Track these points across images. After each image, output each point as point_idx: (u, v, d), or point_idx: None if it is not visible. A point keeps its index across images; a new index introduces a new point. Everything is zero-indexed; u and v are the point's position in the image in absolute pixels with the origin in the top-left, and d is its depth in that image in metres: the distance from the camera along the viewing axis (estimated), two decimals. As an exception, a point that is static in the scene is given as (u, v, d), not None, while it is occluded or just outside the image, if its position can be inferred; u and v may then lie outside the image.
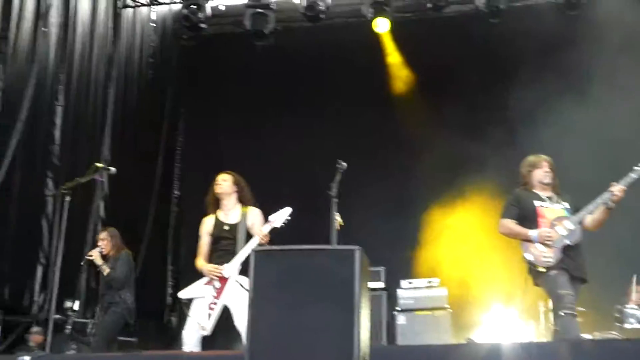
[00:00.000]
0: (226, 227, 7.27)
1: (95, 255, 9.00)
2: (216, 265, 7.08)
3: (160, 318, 13.99)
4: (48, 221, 11.80)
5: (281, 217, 7.13)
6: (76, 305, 9.84)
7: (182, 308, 12.87)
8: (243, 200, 7.48)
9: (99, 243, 9.28)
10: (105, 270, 8.90)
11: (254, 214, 7.40)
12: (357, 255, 4.41)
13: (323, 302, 4.28)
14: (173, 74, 15.19)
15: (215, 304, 7.01)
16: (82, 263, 10.40)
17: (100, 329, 8.70)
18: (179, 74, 15.31)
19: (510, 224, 7.22)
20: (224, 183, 7.49)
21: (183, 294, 7.24)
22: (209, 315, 6.95)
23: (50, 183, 11.99)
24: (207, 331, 6.94)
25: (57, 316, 8.50)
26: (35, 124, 11.80)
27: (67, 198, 7.27)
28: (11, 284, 11.01)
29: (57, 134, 12.32)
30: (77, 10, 13.00)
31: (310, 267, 4.45)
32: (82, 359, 5.91)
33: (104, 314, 8.78)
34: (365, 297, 4.41)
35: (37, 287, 11.48)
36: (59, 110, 12.44)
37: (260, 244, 6.97)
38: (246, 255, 6.92)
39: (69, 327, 9.60)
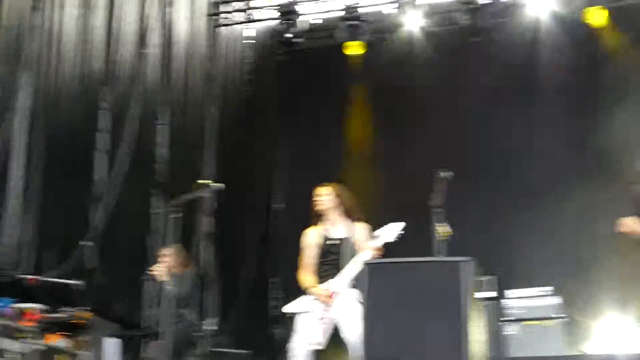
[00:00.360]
0: (331, 242, 7.18)
1: (160, 271, 8.81)
2: (324, 289, 6.98)
3: (265, 331, 14.14)
4: (154, 242, 12.10)
5: (392, 231, 6.92)
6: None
7: (287, 321, 13.00)
8: (348, 214, 7.36)
9: (163, 259, 9.04)
10: (168, 287, 8.78)
11: (361, 229, 7.27)
12: (463, 266, 4.39)
13: (433, 315, 4.28)
14: (270, 90, 15.38)
15: (325, 318, 6.92)
16: (142, 277, 10.54)
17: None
18: (275, 89, 15.50)
19: None
20: (324, 198, 7.40)
21: (289, 309, 7.21)
22: (322, 330, 6.87)
23: (155, 201, 12.29)
24: (322, 346, 6.89)
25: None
26: (139, 143, 12.15)
27: (173, 215, 7.43)
28: (125, 300, 11.34)
29: (160, 152, 12.64)
30: (175, 31, 13.36)
31: (420, 279, 4.46)
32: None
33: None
34: (475, 308, 4.37)
35: (149, 302, 11.76)
36: (161, 129, 12.75)
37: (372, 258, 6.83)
38: (354, 270, 6.78)
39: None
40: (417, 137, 13.85)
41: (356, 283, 6.71)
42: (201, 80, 13.94)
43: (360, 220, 7.36)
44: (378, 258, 6.80)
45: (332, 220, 7.33)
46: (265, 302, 14.61)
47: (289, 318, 7.25)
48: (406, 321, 4.27)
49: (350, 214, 7.39)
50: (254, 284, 13.97)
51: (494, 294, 10.62)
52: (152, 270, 8.88)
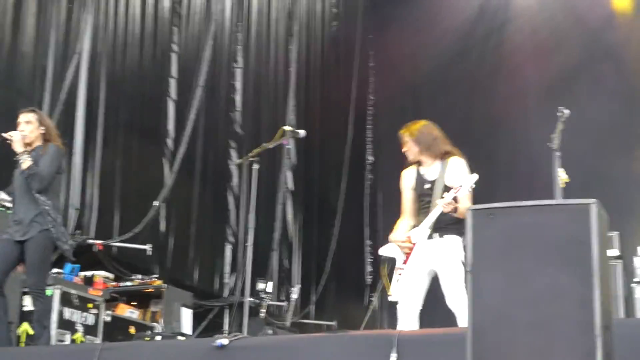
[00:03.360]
0: (427, 185, 6.93)
1: (14, 138, 6.47)
2: (404, 239, 6.75)
3: (360, 299, 13.95)
4: (234, 195, 11.99)
5: (467, 183, 6.68)
6: (269, 287, 9.88)
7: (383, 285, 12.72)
8: (439, 153, 7.05)
9: (21, 127, 6.64)
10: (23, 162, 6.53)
11: (454, 166, 6.96)
12: (594, 210, 4.02)
13: (555, 266, 3.96)
14: (359, 25, 14.99)
15: (402, 269, 6.74)
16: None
17: None
18: (366, 24, 15.08)
19: None
20: (406, 147, 7.08)
21: (383, 251, 7.01)
22: (406, 283, 6.69)
23: (233, 153, 12.16)
24: (413, 303, 6.69)
25: (250, 299, 8.52)
26: (214, 89, 11.99)
27: (255, 166, 7.20)
28: (200, 266, 11.30)
29: (238, 99, 12.47)
30: (252, -38, 13.09)
31: (537, 226, 4.12)
32: (281, 340, 5.87)
33: None
34: (605, 259, 4.06)
35: (227, 268, 11.73)
36: (239, 73, 12.56)
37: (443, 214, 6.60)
38: (434, 217, 6.59)
39: (263, 310, 9.67)
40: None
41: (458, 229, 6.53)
42: (281, 17, 13.62)
43: (451, 154, 7.02)
44: (452, 212, 6.60)
45: (426, 162, 7.03)
46: (361, 267, 14.39)
47: (383, 263, 6.97)
48: (522, 273, 3.98)
49: (443, 153, 7.05)
50: (345, 247, 13.74)
51: (616, 252, 10.20)
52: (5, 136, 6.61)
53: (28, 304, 7.21)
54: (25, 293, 7.20)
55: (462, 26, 14.07)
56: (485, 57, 13.84)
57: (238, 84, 12.55)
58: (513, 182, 12.35)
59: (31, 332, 7.06)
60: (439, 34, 14.15)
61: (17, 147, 6.25)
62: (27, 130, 6.35)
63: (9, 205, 7.09)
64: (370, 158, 15.06)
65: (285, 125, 10.01)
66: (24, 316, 7.17)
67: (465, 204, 6.43)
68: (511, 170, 12.70)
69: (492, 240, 4.11)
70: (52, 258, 6.30)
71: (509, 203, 4.20)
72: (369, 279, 14.31)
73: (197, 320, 10.04)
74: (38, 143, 6.39)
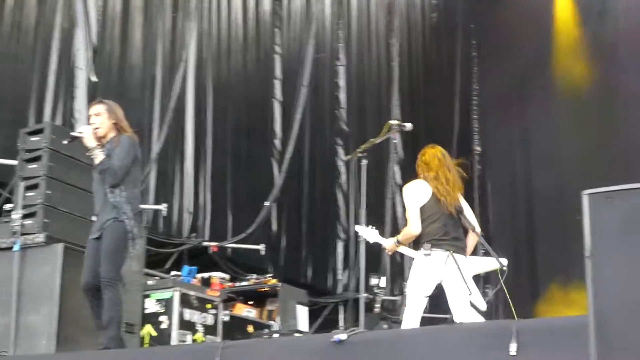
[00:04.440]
0: None
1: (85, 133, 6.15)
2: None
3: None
4: (342, 192, 12.05)
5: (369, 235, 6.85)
6: (382, 282, 9.87)
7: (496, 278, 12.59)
8: None
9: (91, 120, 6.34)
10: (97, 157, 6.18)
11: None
12: None
13: None
14: (460, 14, 14.82)
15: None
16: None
17: None
18: (467, 13, 14.91)
19: None
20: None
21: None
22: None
23: (340, 150, 12.21)
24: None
25: (364, 295, 8.53)
26: (318, 88, 12.07)
27: (364, 162, 7.22)
28: (313, 264, 11.39)
29: (342, 96, 12.51)
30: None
31: None
32: (400, 334, 5.85)
33: None
34: None
35: (339, 264, 11.78)
36: (342, 70, 12.60)
37: None
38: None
39: (378, 305, 9.67)
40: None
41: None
42: (381, 12, 13.59)
43: None
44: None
45: None
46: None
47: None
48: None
49: None
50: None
51: None
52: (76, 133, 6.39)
53: (149, 306, 7.42)
54: (146, 296, 7.40)
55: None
56: (597, 41, 13.49)
57: (341, 82, 12.60)
58: (632, 163, 12.00)
59: (154, 333, 7.25)
60: (543, 19, 13.87)
61: (89, 142, 5.93)
62: (97, 122, 6.01)
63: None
64: (477, 148, 14.87)
65: (390, 120, 10.00)
66: (146, 318, 7.36)
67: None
68: (630, 150, 12.35)
69: (611, 225, 4.00)
70: (130, 250, 6.02)
71: (627, 185, 4.09)
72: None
73: (312, 317, 10.12)
74: (111, 134, 6.02)
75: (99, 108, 6.09)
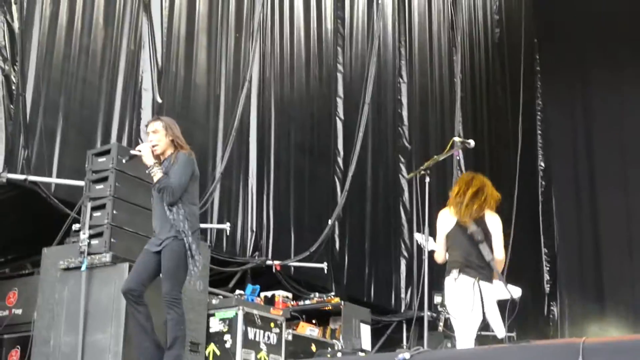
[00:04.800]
0: None
1: (144, 151, 6.16)
2: None
3: (539, 308, 13.62)
4: (405, 209, 12.01)
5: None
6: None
7: (562, 296, 12.40)
8: None
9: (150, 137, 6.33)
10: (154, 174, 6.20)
11: None
12: None
13: None
14: (523, 29, 14.70)
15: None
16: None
17: None
18: (529, 28, 14.79)
19: None
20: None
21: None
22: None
23: (402, 167, 12.18)
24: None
25: (428, 313, 8.48)
26: (380, 105, 12.07)
27: (427, 179, 7.19)
28: (376, 282, 11.35)
29: (405, 113, 12.49)
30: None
31: None
32: (465, 353, 5.79)
33: None
34: None
35: (402, 282, 11.72)
36: (404, 87, 12.59)
37: None
38: None
39: (441, 324, 9.59)
40: None
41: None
42: (443, 28, 13.55)
43: None
44: None
45: None
46: (539, 276, 14.05)
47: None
48: None
49: None
50: (521, 257, 13.47)
51: None
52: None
53: (214, 325, 7.47)
54: (210, 315, 7.45)
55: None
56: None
57: (404, 99, 12.58)
58: None
59: (218, 352, 7.30)
60: (607, 32, 13.71)
61: (147, 160, 5.94)
62: (155, 139, 6.01)
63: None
64: (542, 164, 14.71)
65: (453, 136, 9.97)
66: (210, 337, 7.41)
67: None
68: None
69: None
70: (191, 268, 5.98)
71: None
72: (547, 287, 13.95)
73: (375, 336, 10.08)
74: (169, 151, 6.03)
75: (156, 125, 6.11)
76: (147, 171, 6.05)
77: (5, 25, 7.58)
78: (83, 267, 6.46)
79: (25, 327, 7.12)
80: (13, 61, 7.61)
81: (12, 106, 7.56)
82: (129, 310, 5.87)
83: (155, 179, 5.94)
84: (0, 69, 7.51)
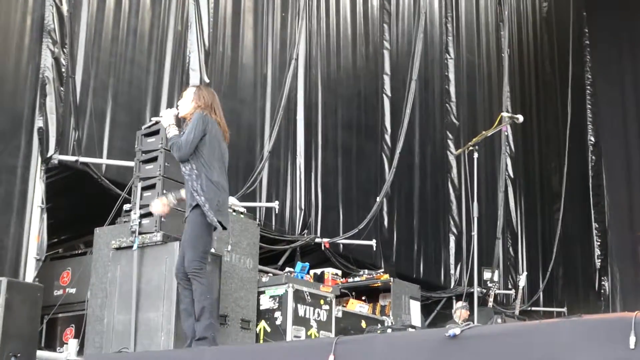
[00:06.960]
0: None
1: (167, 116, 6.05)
2: None
3: (590, 284, 13.45)
4: (454, 186, 11.92)
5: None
6: (495, 276, 9.73)
7: (613, 270, 12.22)
8: None
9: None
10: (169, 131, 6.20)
11: None
12: None
13: None
14: (572, 3, 14.46)
15: None
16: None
17: None
18: (578, 1, 14.54)
19: None
20: None
21: None
22: None
23: (450, 144, 12.08)
24: None
25: (478, 289, 8.41)
26: (427, 82, 11.96)
27: (476, 155, 7.10)
28: (425, 258, 11.29)
29: (452, 89, 12.37)
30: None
31: None
32: (514, 327, 5.73)
33: None
34: None
35: (452, 259, 11.65)
36: (451, 63, 12.45)
37: None
38: None
39: (491, 299, 9.52)
40: None
41: None
42: (490, 3, 13.35)
43: None
44: None
45: None
46: (589, 251, 13.85)
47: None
48: None
49: None
50: (571, 232, 13.30)
51: None
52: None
53: (264, 302, 7.48)
54: (260, 292, 7.46)
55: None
56: None
57: (451, 75, 12.45)
58: None
59: (269, 329, 7.30)
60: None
61: (164, 121, 5.86)
62: (181, 103, 5.90)
63: (239, 209, 7.37)
64: (592, 139, 14.47)
65: (501, 112, 9.84)
66: (261, 314, 7.42)
67: None
68: None
69: None
70: (213, 235, 5.90)
71: None
72: (598, 262, 13.76)
73: (425, 312, 10.04)
74: None
75: (188, 91, 6.01)
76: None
77: (55, 8, 7.61)
78: (134, 247, 6.47)
79: (79, 306, 7.22)
80: (62, 44, 7.65)
81: (62, 88, 7.61)
82: (179, 290, 5.86)
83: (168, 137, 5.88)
84: (50, 51, 7.55)
